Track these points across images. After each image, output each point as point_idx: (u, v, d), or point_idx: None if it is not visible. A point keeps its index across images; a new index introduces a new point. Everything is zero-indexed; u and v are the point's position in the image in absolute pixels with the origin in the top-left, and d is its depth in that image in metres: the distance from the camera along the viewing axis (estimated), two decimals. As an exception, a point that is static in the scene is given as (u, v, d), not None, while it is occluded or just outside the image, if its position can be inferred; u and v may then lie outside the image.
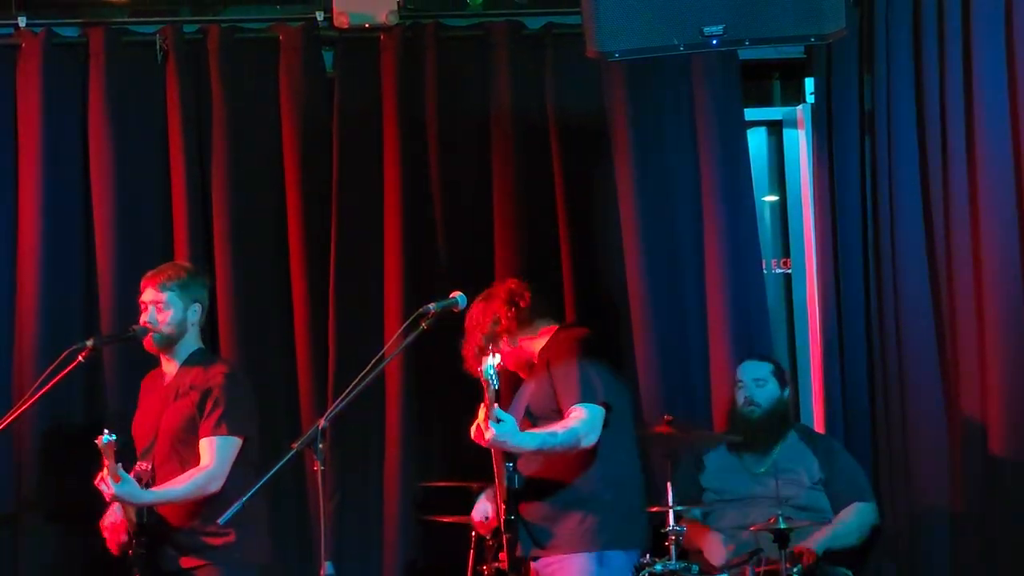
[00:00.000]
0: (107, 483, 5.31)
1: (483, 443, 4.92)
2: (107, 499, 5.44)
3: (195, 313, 5.72)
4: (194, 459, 5.53)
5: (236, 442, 5.55)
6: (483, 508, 5.65)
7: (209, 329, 6.49)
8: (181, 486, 5.46)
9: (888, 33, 6.64)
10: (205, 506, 5.46)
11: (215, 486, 5.47)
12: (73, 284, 6.67)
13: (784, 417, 6.34)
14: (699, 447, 6.40)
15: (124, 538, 5.55)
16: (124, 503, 5.46)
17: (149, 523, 5.48)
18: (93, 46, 6.71)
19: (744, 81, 6.90)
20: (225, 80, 6.74)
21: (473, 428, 4.90)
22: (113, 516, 5.62)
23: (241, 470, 5.53)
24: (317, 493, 4.74)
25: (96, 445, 5.23)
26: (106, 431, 5.24)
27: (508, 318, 5.42)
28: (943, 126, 6.46)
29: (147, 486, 5.49)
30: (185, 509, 5.49)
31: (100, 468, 5.32)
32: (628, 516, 5.25)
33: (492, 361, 4.64)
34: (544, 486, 5.19)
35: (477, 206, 6.75)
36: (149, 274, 5.76)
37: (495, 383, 4.68)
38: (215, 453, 5.50)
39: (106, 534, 5.63)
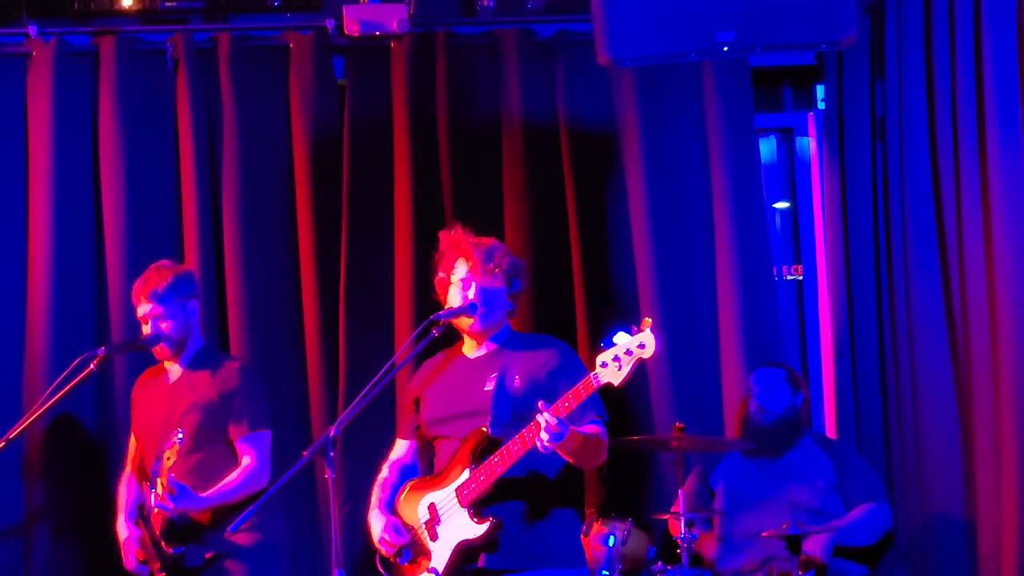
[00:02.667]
0: (166, 502, 5.32)
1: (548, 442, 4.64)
2: (170, 515, 5.39)
3: (194, 311, 5.72)
4: (212, 457, 5.54)
5: (268, 435, 5.64)
6: (388, 526, 5.11)
7: (219, 337, 6.52)
8: (233, 487, 5.50)
9: (899, 39, 6.64)
10: (238, 507, 5.45)
11: (262, 483, 5.51)
12: (84, 292, 6.67)
13: (796, 423, 6.32)
14: (711, 454, 6.41)
15: (141, 554, 5.54)
16: (185, 512, 5.42)
17: (180, 525, 5.47)
18: (104, 55, 6.72)
19: (755, 88, 6.89)
20: (235, 88, 6.74)
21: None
22: (127, 531, 5.61)
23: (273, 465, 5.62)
24: (328, 501, 4.73)
25: (173, 443, 5.24)
26: (180, 431, 5.29)
27: (520, 266, 5.14)
28: (955, 132, 6.45)
29: None
30: (222, 512, 5.47)
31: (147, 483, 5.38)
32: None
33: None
34: (528, 496, 4.96)
35: (488, 213, 6.74)
36: (136, 286, 5.73)
37: None
38: (254, 451, 5.56)
39: (127, 553, 5.61)
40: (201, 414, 5.59)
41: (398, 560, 5.05)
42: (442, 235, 5.25)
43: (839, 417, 6.80)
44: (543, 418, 4.60)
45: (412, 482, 5.15)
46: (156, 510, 5.39)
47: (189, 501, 5.38)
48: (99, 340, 6.55)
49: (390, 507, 5.17)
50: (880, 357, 6.74)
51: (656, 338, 4.54)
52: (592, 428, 4.88)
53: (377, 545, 5.11)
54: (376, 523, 5.14)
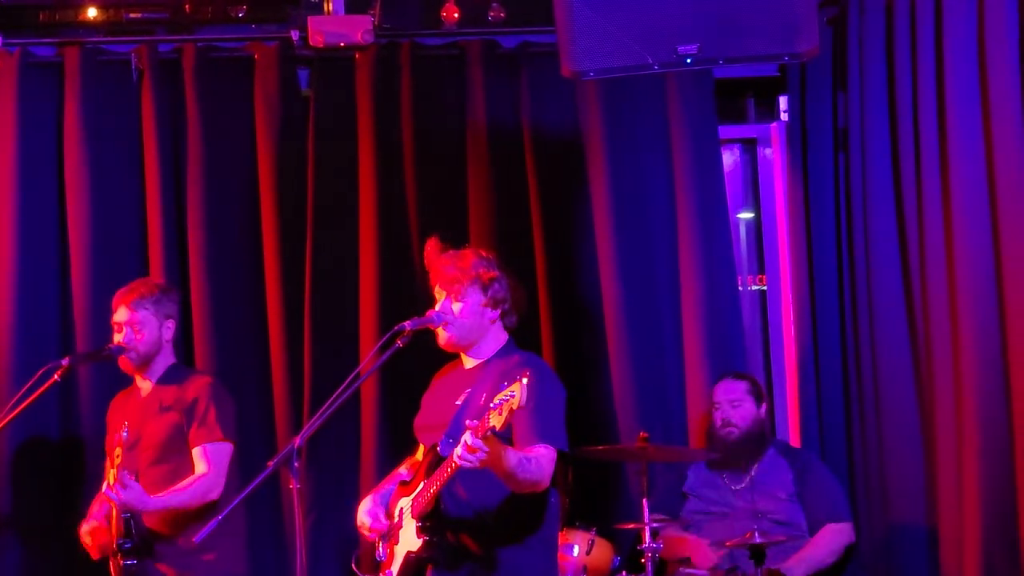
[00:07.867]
0: (115, 491, 5.34)
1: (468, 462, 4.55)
2: (115, 505, 5.42)
3: (169, 330, 5.74)
4: (182, 468, 5.55)
5: (229, 447, 5.62)
6: (373, 510, 5.12)
7: (184, 347, 6.50)
8: (184, 493, 5.50)
9: (862, 51, 6.67)
10: (191, 518, 5.47)
11: (215, 493, 5.52)
12: (49, 303, 6.66)
13: (762, 435, 6.35)
14: (678, 463, 6.43)
15: (105, 539, 5.54)
16: (131, 509, 5.43)
17: (138, 535, 5.47)
18: (68, 66, 6.71)
19: (718, 99, 6.92)
20: (200, 99, 6.74)
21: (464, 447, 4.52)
22: (92, 521, 5.61)
23: (231, 479, 5.60)
24: (293, 511, 4.73)
25: (119, 438, 5.31)
26: (126, 424, 5.35)
27: (505, 282, 5.06)
28: (916, 143, 6.48)
29: None
30: (174, 521, 5.50)
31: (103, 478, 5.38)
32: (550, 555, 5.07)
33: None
34: (483, 517, 4.91)
35: (453, 224, 6.75)
36: (120, 292, 5.76)
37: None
38: (211, 460, 5.56)
39: (86, 539, 5.62)
40: (167, 424, 5.60)
41: (377, 556, 5.06)
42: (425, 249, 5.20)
43: (803, 427, 6.82)
44: (464, 437, 4.50)
45: (400, 483, 5.14)
46: (111, 502, 5.41)
47: (136, 496, 5.36)
48: (64, 350, 6.53)
49: (385, 499, 5.14)
50: (843, 366, 6.76)
51: (523, 389, 4.38)
52: (531, 452, 4.76)
53: (358, 527, 5.12)
54: (361, 505, 5.14)
